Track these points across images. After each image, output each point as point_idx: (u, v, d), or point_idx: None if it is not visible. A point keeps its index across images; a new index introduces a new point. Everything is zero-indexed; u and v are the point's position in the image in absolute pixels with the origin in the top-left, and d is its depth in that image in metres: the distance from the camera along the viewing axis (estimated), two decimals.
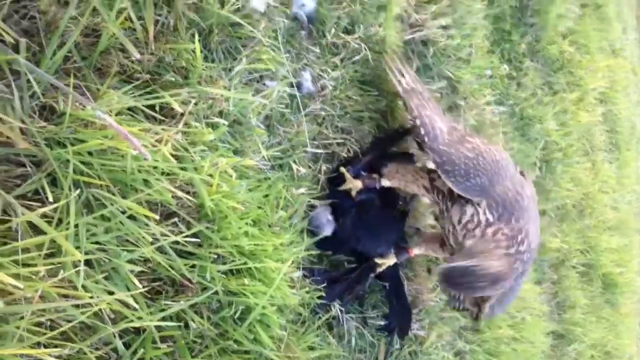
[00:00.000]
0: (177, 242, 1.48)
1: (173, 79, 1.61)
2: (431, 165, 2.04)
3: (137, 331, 1.43)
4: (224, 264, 1.59)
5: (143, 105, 1.50)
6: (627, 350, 4.42)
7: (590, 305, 3.87)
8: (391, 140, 2.36)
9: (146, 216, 1.41)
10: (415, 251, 2.29)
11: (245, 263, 1.60)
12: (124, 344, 1.39)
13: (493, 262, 1.87)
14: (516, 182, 2.01)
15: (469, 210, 1.97)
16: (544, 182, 3.47)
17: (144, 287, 1.38)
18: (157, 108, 1.56)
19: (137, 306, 1.32)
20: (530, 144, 3.35)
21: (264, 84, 1.93)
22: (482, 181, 1.94)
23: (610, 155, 4.48)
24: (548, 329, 3.38)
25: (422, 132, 2.01)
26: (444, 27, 2.67)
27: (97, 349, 1.34)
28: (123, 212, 1.37)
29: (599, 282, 4.01)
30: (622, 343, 4.29)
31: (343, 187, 2.17)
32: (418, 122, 2.03)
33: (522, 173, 2.13)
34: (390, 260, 2.27)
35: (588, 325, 3.78)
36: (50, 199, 1.26)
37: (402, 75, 2.21)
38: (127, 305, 1.32)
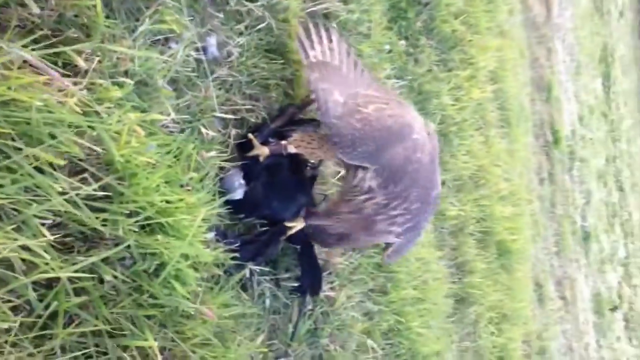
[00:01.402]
0: (87, 198, 1.47)
1: (75, 36, 1.59)
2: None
3: (50, 285, 1.41)
4: (137, 221, 1.59)
5: (46, 61, 1.48)
6: (523, 313, 4.75)
7: (487, 270, 4.13)
8: (298, 108, 2.43)
9: (54, 169, 1.39)
10: None
11: (158, 218, 1.60)
12: (38, 298, 1.36)
13: (342, 224, 2.13)
14: (409, 147, 2.14)
15: (359, 175, 2.10)
16: (442, 155, 3.66)
17: (55, 240, 1.36)
18: (60, 64, 1.54)
19: (48, 256, 1.31)
20: (430, 118, 3.52)
21: (169, 47, 1.94)
22: (369, 149, 2.07)
23: (502, 130, 4.79)
24: (449, 291, 3.58)
25: (316, 105, 2.14)
26: (344, 1, 2.77)
27: (9, 301, 1.31)
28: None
29: (495, 248, 4.28)
30: (517, 306, 4.61)
31: (251, 154, 2.22)
32: (313, 96, 2.15)
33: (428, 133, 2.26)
34: (300, 224, 2.33)
35: (486, 289, 4.04)
36: None
37: (313, 48, 2.29)
38: (40, 256, 1.30)
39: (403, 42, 3.36)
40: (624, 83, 15.89)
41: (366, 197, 2.09)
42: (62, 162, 1.36)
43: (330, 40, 2.36)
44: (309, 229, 2.23)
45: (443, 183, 3.67)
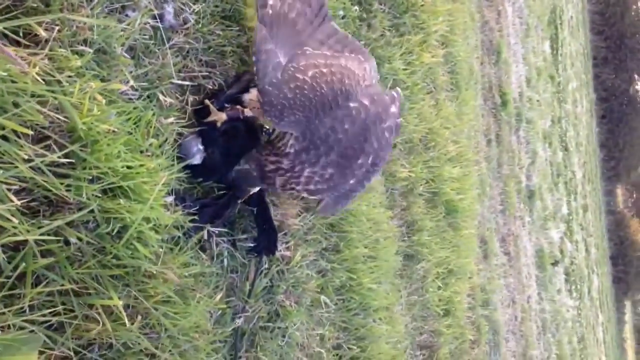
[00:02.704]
0: (52, 164, 1.53)
1: (35, 5, 1.62)
2: None
3: (18, 248, 1.48)
4: (100, 186, 1.66)
5: (6, 30, 1.51)
6: (468, 268, 4.99)
7: (435, 229, 4.33)
8: (254, 75, 2.49)
9: (18, 137, 1.45)
10: None
11: (119, 183, 1.68)
12: (6, 260, 1.44)
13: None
14: (338, 117, 2.24)
15: (285, 138, 2.23)
16: None
17: (22, 205, 1.43)
18: (20, 34, 1.57)
19: (15, 220, 1.38)
20: (382, 82, 3.63)
21: (126, 15, 1.97)
22: (296, 119, 2.15)
23: (451, 94, 4.95)
24: (399, 249, 3.76)
25: (255, 69, 2.15)
26: None
27: None
28: None
29: (443, 208, 4.47)
30: (463, 262, 4.84)
31: (208, 120, 2.29)
32: (254, 58, 2.15)
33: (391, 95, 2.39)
34: (256, 187, 2.43)
35: (433, 246, 4.24)
36: None
37: None
38: (8, 220, 1.37)
39: (356, 7, 3.43)
40: (571, 45, 16.31)
41: (274, 159, 2.22)
42: (29, 132, 1.41)
43: None
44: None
45: (395, 146, 3.81)
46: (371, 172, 2.41)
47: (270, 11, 2.23)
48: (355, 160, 2.29)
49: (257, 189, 2.42)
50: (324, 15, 2.42)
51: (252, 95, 2.33)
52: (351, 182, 2.36)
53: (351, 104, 2.25)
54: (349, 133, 2.24)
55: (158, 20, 2.09)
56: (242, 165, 2.30)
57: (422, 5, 4.14)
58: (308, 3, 2.36)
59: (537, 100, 9.90)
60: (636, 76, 32.12)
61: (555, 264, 9.87)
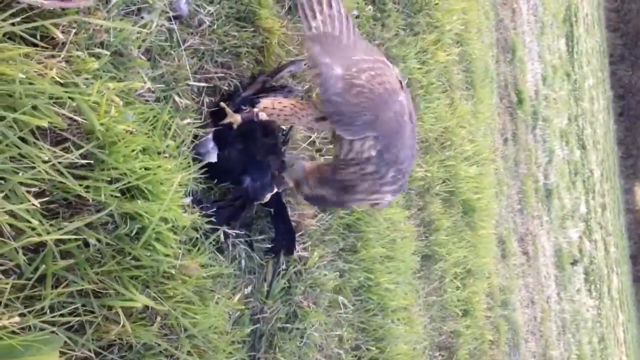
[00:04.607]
0: (70, 166, 1.54)
1: (52, 9, 1.63)
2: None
3: (38, 250, 1.49)
4: (118, 187, 1.67)
5: (24, 33, 1.52)
6: (486, 268, 4.96)
7: (453, 228, 4.31)
8: (269, 76, 2.49)
9: (37, 138, 1.46)
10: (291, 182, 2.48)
11: (137, 184, 1.68)
12: (27, 262, 1.45)
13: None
14: (398, 111, 2.25)
15: (356, 147, 2.18)
16: None
17: (41, 207, 1.44)
18: (38, 37, 1.59)
19: (35, 222, 1.39)
20: None
21: (142, 17, 1.98)
22: (366, 119, 2.15)
23: (467, 92, 4.92)
24: (416, 249, 3.74)
25: (318, 81, 2.16)
26: None
27: (0, 265, 1.39)
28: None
29: (460, 207, 4.45)
30: (481, 262, 4.81)
31: (224, 122, 2.29)
32: (315, 71, 2.16)
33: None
34: (273, 190, 2.43)
35: (451, 246, 4.21)
36: None
37: (314, 17, 2.28)
38: (28, 222, 1.38)
39: (370, 7, 3.42)
40: (587, 42, 16.15)
41: (360, 167, 2.20)
42: (45, 124, 1.42)
43: (330, 6, 2.34)
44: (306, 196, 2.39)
45: None
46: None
47: (316, 32, 2.27)
48: (413, 146, 2.34)
49: (275, 191, 2.42)
50: (352, 28, 2.46)
51: (266, 103, 2.33)
52: (410, 167, 2.40)
53: (400, 98, 2.27)
54: (407, 124, 2.27)
55: (173, 22, 2.09)
56: (313, 190, 2.32)
57: (436, 4, 4.13)
58: (344, 23, 2.38)
59: (554, 98, 9.81)
60: None
61: (574, 263, 9.77)
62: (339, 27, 2.35)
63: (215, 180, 2.28)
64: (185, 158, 2.01)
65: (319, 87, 2.17)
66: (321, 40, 2.26)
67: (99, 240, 1.60)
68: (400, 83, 2.36)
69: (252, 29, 2.41)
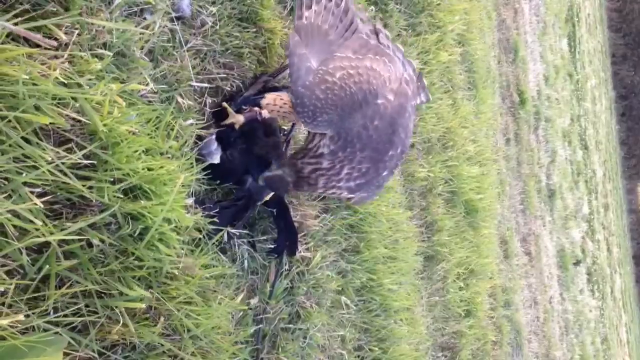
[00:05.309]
0: (73, 166, 1.54)
1: (55, 9, 1.63)
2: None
3: (41, 250, 1.49)
4: (121, 188, 1.67)
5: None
6: (489, 268, 4.96)
7: (455, 228, 4.30)
8: (271, 76, 2.50)
9: (40, 139, 1.46)
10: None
11: (140, 185, 1.68)
12: (30, 262, 1.45)
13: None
14: (368, 115, 2.27)
15: (316, 140, 2.26)
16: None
17: (44, 207, 1.44)
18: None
19: (39, 223, 1.39)
20: None
21: (144, 18, 1.98)
22: (328, 118, 2.20)
23: (469, 93, 4.91)
24: (419, 249, 3.74)
25: (288, 71, 2.22)
26: None
27: (4, 265, 1.40)
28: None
29: (462, 207, 4.44)
30: (484, 262, 4.81)
31: (226, 122, 2.29)
32: (287, 61, 2.22)
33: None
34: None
35: (454, 246, 4.21)
36: None
37: (309, 7, 2.30)
38: (31, 222, 1.38)
39: (372, 7, 3.42)
40: (589, 42, 16.13)
41: (313, 161, 2.25)
42: (46, 120, 1.42)
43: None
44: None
45: (412, 146, 3.79)
46: (400, 160, 2.47)
47: (306, 22, 2.29)
48: (386, 153, 2.34)
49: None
50: (354, 30, 2.46)
51: (269, 99, 2.34)
52: (384, 174, 2.40)
53: (378, 101, 2.27)
54: (379, 129, 2.28)
55: (175, 22, 2.09)
56: (273, 171, 2.30)
57: (438, 4, 4.13)
58: (340, 18, 2.41)
59: (556, 99, 9.80)
60: None
61: (577, 263, 9.75)
62: (332, 21, 2.37)
63: (218, 180, 2.28)
64: (188, 159, 2.01)
65: (289, 77, 2.22)
66: (306, 31, 2.29)
67: (102, 241, 1.60)
68: (403, 83, 2.36)
69: (254, 30, 2.42)
